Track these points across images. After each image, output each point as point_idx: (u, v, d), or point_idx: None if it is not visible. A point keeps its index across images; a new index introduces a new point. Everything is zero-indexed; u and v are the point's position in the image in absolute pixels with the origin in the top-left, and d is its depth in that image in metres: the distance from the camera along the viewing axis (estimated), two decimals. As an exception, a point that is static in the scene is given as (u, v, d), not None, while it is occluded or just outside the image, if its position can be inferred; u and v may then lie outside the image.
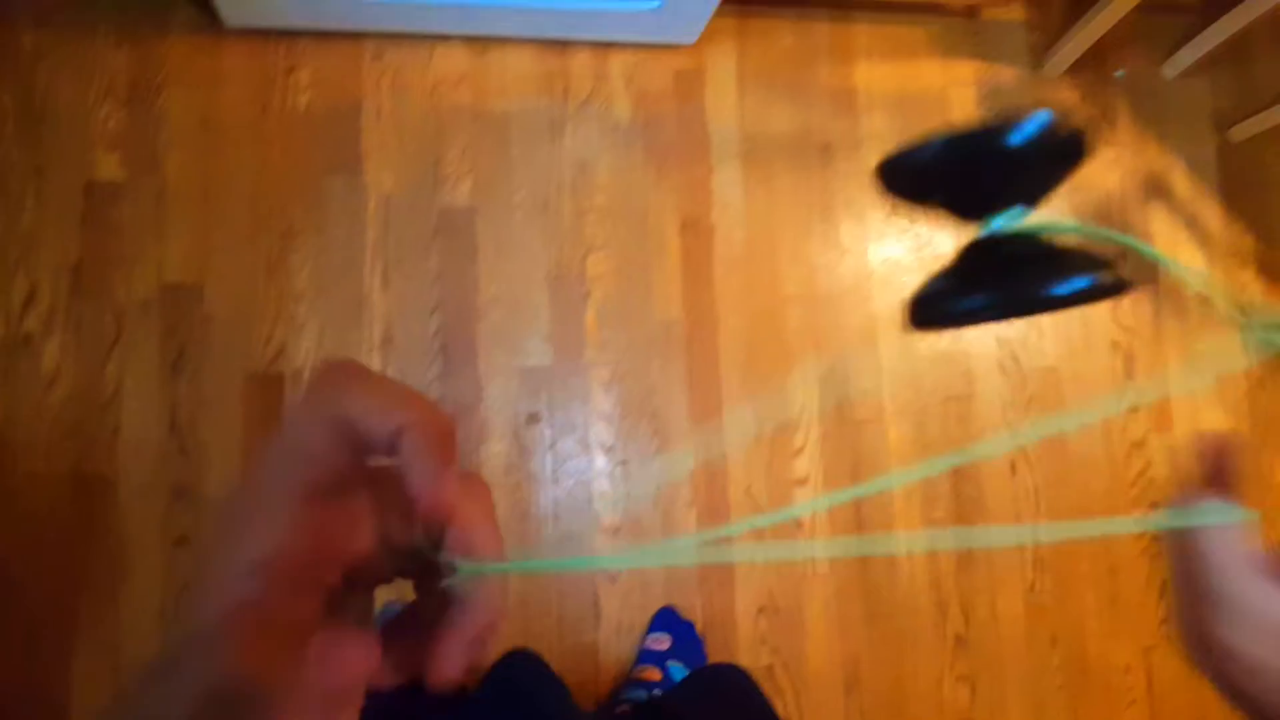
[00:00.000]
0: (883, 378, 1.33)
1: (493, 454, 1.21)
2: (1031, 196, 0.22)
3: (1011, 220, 0.22)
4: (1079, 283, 0.22)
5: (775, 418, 1.29)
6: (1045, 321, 1.40)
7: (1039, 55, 1.45)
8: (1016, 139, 0.21)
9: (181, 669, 0.21)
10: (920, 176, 0.22)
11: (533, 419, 1.23)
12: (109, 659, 1.10)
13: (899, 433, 1.32)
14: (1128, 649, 1.33)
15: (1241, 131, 1.47)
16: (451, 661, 0.24)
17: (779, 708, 0.98)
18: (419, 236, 1.23)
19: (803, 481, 1.28)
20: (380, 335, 1.21)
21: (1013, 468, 1.34)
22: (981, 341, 1.37)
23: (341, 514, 0.24)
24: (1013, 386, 1.36)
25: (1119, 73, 1.47)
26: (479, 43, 1.28)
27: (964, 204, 0.22)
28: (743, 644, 1.22)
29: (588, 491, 1.23)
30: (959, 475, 1.33)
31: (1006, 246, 0.22)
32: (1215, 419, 1.41)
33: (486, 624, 0.24)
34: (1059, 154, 0.21)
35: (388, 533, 0.25)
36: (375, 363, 1.20)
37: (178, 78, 1.21)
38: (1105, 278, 0.22)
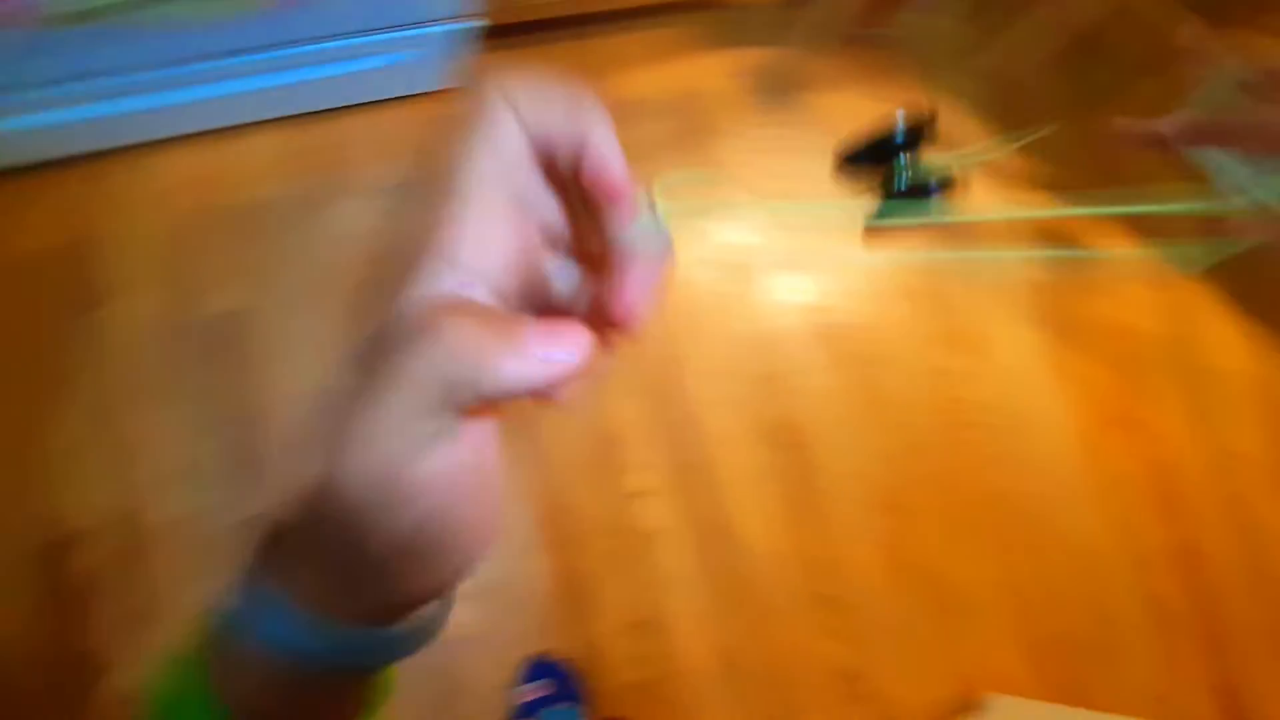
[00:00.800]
0: (701, 371, 1.36)
1: None
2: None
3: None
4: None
5: (606, 445, 1.30)
6: (841, 284, 1.45)
7: (791, 31, 1.47)
8: (899, 139, 0.58)
9: (410, 351, 0.21)
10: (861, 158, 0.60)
11: None
12: None
13: (721, 416, 1.36)
14: (984, 568, 1.43)
15: (1008, 59, 1.53)
16: (634, 295, 0.25)
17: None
18: (189, 355, 1.17)
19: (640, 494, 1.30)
20: (167, 470, 1.15)
21: (839, 422, 1.40)
22: (785, 321, 1.41)
23: (532, 223, 0.25)
24: (825, 348, 1.41)
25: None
26: (209, 137, 1.20)
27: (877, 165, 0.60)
28: (616, 667, 1.25)
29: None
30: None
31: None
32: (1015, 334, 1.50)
33: (658, 265, 0.26)
34: (921, 130, 0.59)
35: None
36: (168, 500, 1.14)
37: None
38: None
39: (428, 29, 1.08)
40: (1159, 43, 1.38)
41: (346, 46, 1.06)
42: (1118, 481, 1.52)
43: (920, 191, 0.59)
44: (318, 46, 1.04)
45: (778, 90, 1.45)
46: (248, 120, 1.20)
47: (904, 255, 1.47)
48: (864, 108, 1.49)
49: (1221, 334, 1.59)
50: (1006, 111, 1.54)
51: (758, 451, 1.36)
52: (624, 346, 0.26)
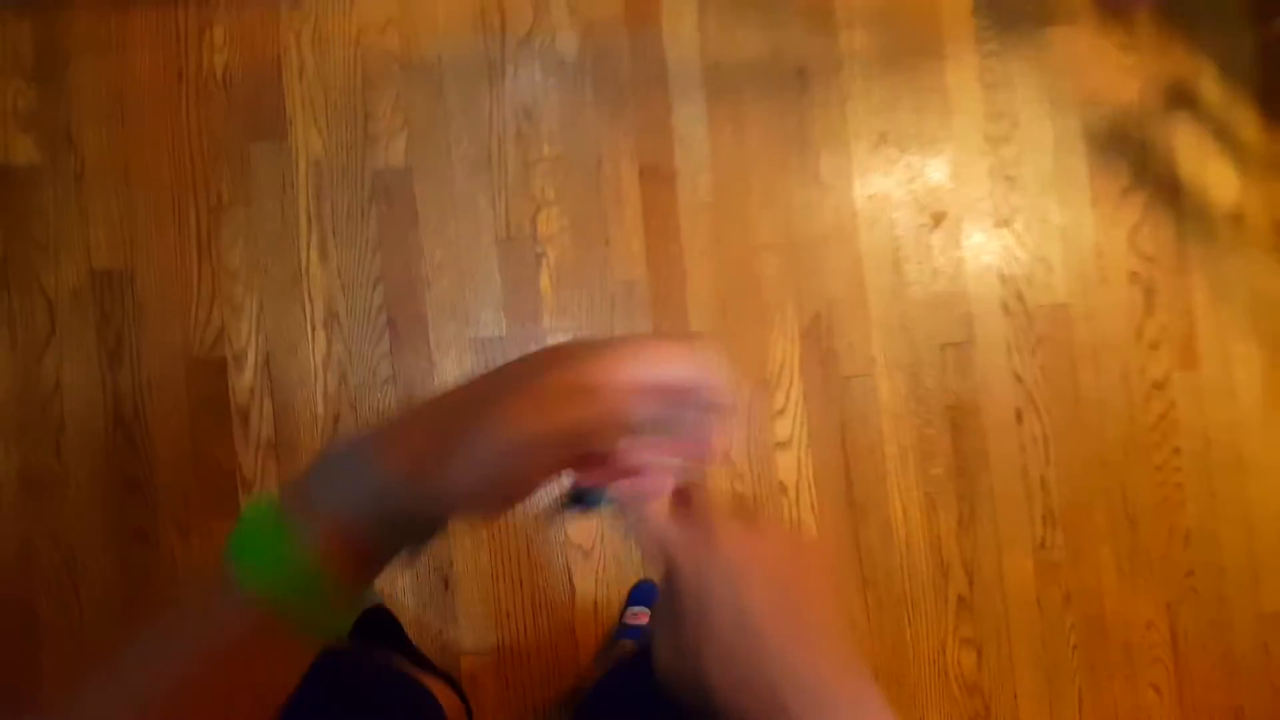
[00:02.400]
0: (871, 327, 1.21)
1: None
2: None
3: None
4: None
5: (752, 376, 1.19)
6: (1055, 254, 1.25)
7: None
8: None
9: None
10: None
11: None
12: (76, 653, 1.10)
13: (891, 386, 1.21)
14: (1149, 604, 1.23)
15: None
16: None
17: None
18: (354, 202, 1.14)
19: (785, 444, 1.19)
20: (323, 311, 1.14)
21: (1018, 416, 1.23)
22: (981, 280, 1.24)
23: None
24: (1018, 328, 1.24)
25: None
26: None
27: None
28: None
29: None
30: (958, 427, 1.22)
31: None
32: (1247, 353, 1.27)
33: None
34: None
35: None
36: (320, 341, 1.14)
37: (86, 45, 1.13)
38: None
39: None
40: None
41: None
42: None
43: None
44: None
45: (1016, 18, 1.25)
46: None
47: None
48: (1109, 56, 1.27)
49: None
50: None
51: (925, 429, 1.20)
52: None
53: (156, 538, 1.11)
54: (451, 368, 1.15)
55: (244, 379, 1.13)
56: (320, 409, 1.13)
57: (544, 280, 1.16)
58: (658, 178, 1.19)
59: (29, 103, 1.12)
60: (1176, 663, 1.24)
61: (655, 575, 1.06)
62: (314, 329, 1.14)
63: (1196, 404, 1.25)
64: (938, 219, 1.23)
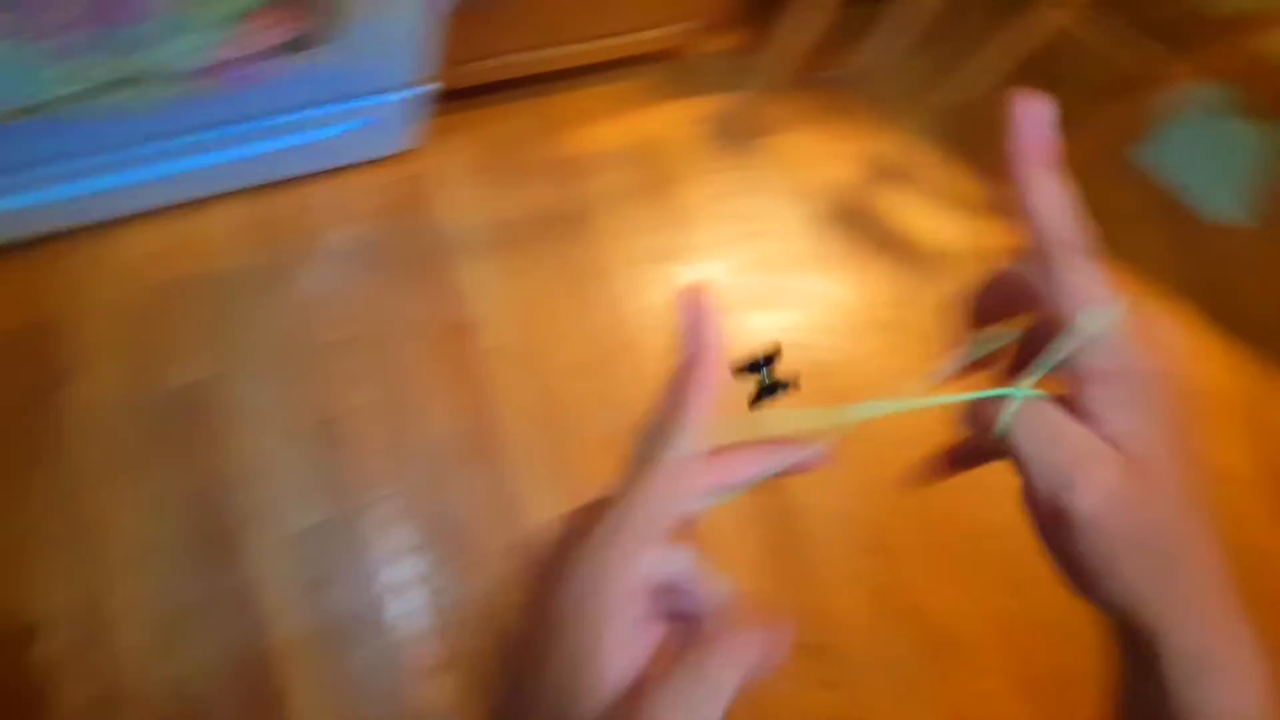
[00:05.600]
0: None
1: (288, 635, 1.13)
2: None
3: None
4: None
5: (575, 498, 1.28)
6: (825, 321, 1.44)
7: (746, 77, 1.48)
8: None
9: None
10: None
11: (317, 584, 1.16)
12: None
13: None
14: (972, 605, 1.40)
15: (961, 92, 1.55)
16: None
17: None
18: (151, 430, 1.16)
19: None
20: (131, 550, 1.12)
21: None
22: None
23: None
24: (803, 399, 1.40)
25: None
26: (169, 213, 1.20)
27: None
28: None
29: (400, 637, 1.16)
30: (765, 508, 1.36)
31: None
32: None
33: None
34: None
35: None
36: (129, 580, 1.11)
37: None
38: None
39: (382, 98, 1.09)
40: (1115, 68, 1.39)
41: (300, 119, 1.07)
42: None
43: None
44: (271, 121, 1.04)
45: (737, 136, 1.46)
46: (207, 194, 1.21)
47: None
48: (822, 148, 1.50)
49: (1200, 350, 1.59)
50: (967, 144, 1.55)
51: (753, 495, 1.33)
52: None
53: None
54: (274, 571, 1.15)
55: (47, 645, 1.06)
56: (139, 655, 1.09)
57: (357, 456, 1.21)
58: (456, 334, 1.28)
59: None
60: (1007, 659, 1.40)
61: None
62: (124, 569, 1.11)
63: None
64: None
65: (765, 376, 0.36)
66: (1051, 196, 0.29)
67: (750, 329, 1.41)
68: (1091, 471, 0.26)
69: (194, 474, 1.16)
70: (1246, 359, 1.59)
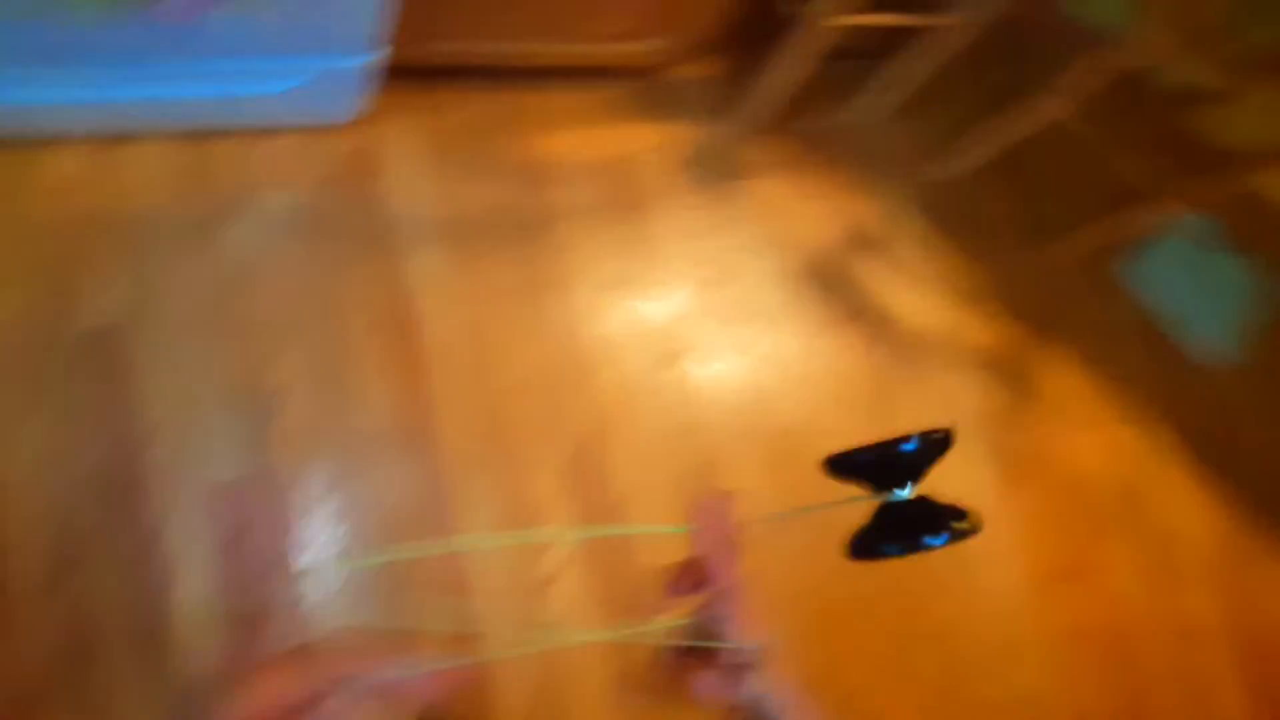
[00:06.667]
0: (622, 461, 1.24)
1: (183, 600, 1.02)
2: (915, 475, 0.39)
3: (902, 494, 0.40)
4: (944, 535, 0.39)
5: (518, 518, 1.18)
6: (782, 383, 1.36)
7: (726, 111, 1.45)
8: (907, 447, 0.39)
9: None
10: (856, 466, 0.40)
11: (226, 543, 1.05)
12: None
13: (650, 514, 1.23)
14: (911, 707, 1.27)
15: (948, 168, 1.52)
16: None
17: None
18: (56, 368, 1.06)
19: (553, 580, 1.16)
20: (27, 478, 1.01)
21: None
22: (717, 409, 1.32)
23: None
24: (757, 454, 1.31)
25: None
26: (104, 143, 1.14)
27: (880, 481, 0.40)
28: None
29: (306, 607, 1.06)
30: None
31: (902, 508, 0.40)
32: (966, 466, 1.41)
33: None
34: (936, 448, 0.39)
35: None
36: (26, 507, 1.00)
37: None
38: (962, 526, 0.39)
39: (329, 59, 1.05)
40: (1108, 174, 1.37)
41: (242, 67, 1.02)
42: (1064, 634, 1.39)
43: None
44: (212, 63, 1.00)
45: (712, 171, 1.42)
46: (142, 129, 1.15)
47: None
48: (799, 201, 1.46)
49: (1181, 489, 1.51)
50: (947, 223, 1.51)
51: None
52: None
53: None
54: (178, 529, 1.04)
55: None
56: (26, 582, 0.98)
57: (281, 434, 1.11)
58: (396, 325, 1.20)
59: None
60: None
61: None
62: (19, 501, 1.00)
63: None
64: (668, 357, 1.31)
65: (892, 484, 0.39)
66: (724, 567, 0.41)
67: (704, 376, 1.33)
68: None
69: (96, 420, 1.05)
70: (1229, 504, 1.52)
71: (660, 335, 1.32)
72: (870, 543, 0.38)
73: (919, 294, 1.49)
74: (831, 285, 1.44)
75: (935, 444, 0.38)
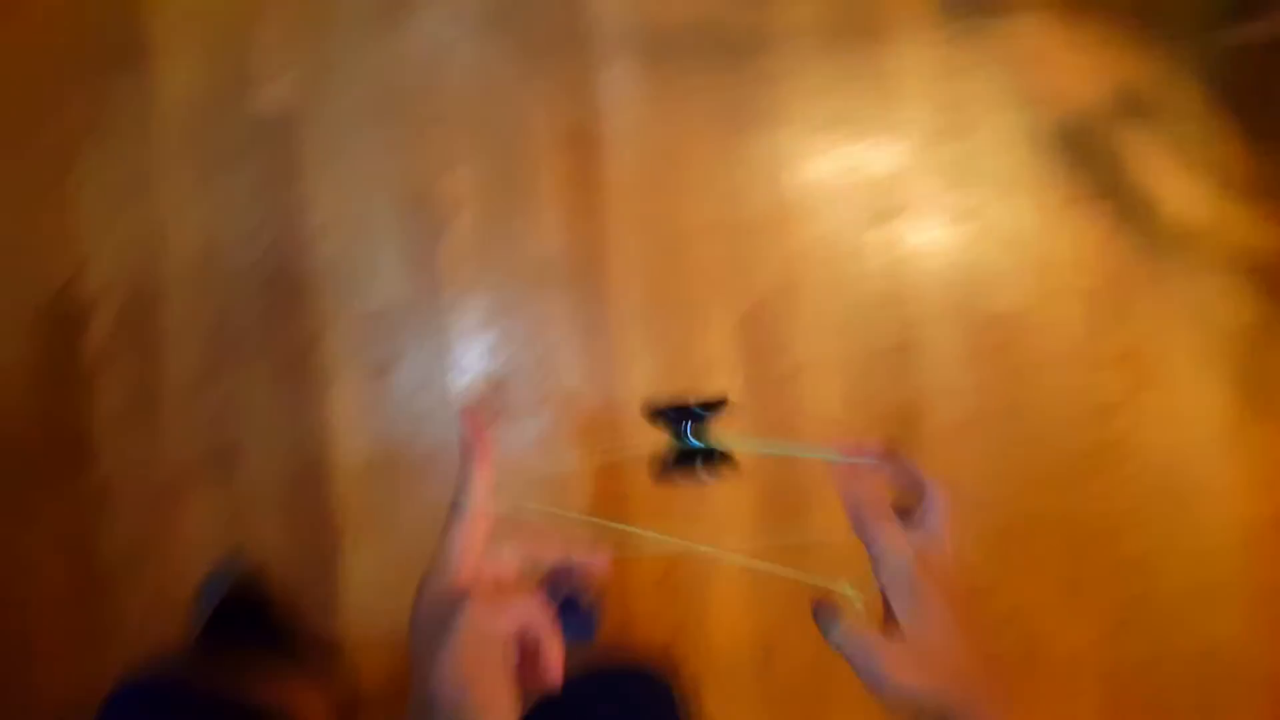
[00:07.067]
0: (807, 326, 1.12)
1: (337, 409, 1.02)
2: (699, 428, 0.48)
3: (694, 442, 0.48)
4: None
5: (680, 374, 1.09)
6: (1004, 261, 1.17)
7: None
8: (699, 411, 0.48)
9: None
10: (662, 417, 0.48)
11: (381, 371, 1.03)
12: None
13: (825, 391, 1.12)
14: (1084, 633, 1.16)
15: (1246, 32, 1.20)
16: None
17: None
18: (228, 148, 1.02)
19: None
20: (188, 264, 1.01)
21: (956, 429, 1.14)
22: (924, 283, 1.15)
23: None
24: (961, 337, 1.15)
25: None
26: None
27: (679, 430, 0.48)
28: (640, 618, 1.05)
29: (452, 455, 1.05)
30: (893, 438, 1.13)
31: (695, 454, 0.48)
32: (1198, 376, 1.20)
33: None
34: (711, 407, 0.48)
35: None
36: (185, 295, 1.00)
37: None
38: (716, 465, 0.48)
39: None
40: None
41: None
42: (1275, 589, 1.21)
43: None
44: None
45: (967, 1, 1.17)
46: None
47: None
48: (1064, 52, 1.19)
49: None
50: (1237, 99, 1.22)
51: (859, 437, 1.11)
52: None
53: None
54: (337, 338, 1.03)
55: (94, 335, 0.99)
56: (180, 377, 1.00)
57: (448, 249, 1.05)
58: (580, 145, 1.08)
59: None
60: (1104, 696, 1.16)
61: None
62: (180, 282, 1.01)
63: (1145, 428, 1.17)
64: (881, 215, 1.14)
65: (685, 433, 0.46)
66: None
67: (917, 245, 1.15)
68: (890, 677, 0.40)
69: (264, 208, 1.02)
70: None
71: (874, 189, 1.14)
72: (660, 470, 0.47)
73: (1186, 179, 1.22)
74: (1084, 154, 1.19)
75: (715, 406, 0.47)
